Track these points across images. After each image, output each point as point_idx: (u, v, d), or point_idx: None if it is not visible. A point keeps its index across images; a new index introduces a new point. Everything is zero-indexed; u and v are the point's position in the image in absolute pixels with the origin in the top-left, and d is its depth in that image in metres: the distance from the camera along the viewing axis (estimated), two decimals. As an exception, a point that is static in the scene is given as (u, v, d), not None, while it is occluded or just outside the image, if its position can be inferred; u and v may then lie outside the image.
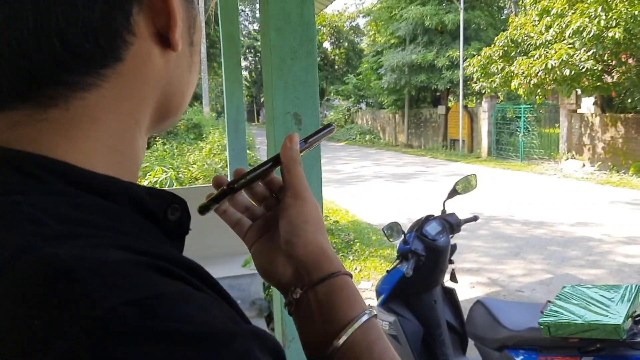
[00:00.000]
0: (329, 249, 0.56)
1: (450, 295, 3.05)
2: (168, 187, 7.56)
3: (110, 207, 0.37)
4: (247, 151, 7.47)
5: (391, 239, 2.85)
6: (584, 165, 14.24)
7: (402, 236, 2.87)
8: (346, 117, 30.93)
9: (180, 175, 9.54)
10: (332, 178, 13.22)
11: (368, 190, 11.70)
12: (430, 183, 12.39)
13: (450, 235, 2.94)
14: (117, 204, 0.38)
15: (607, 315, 2.14)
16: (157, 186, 7.59)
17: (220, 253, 4.28)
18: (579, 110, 15.28)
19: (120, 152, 0.41)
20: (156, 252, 0.34)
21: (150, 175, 8.72)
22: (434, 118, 21.99)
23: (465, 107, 19.67)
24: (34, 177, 0.35)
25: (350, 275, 0.55)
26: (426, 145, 22.29)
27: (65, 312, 0.27)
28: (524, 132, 16.91)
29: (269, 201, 0.61)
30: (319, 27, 35.39)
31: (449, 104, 21.44)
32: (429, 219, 2.96)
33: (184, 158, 11.95)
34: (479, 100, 19.21)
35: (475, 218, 3.06)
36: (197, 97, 20.05)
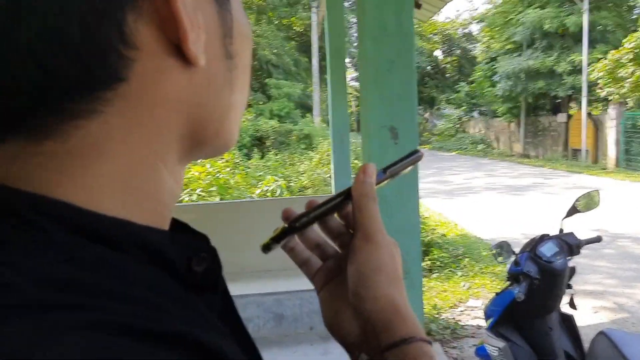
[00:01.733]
0: (403, 307, 0.47)
1: (568, 323, 2.79)
2: (278, 195, 7.76)
3: (116, 259, 0.31)
4: (355, 161, 7.47)
5: (500, 259, 2.67)
6: None
7: (513, 256, 2.67)
8: (457, 126, 30.05)
9: (290, 184, 9.80)
10: (441, 189, 12.86)
11: (479, 202, 11.21)
12: (549, 196, 11.59)
13: (569, 258, 2.68)
14: (126, 254, 0.32)
15: None
16: (268, 195, 7.83)
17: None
18: None
19: (136, 188, 0.34)
20: (155, 328, 0.27)
21: (262, 184, 9.02)
22: (554, 126, 20.66)
23: (589, 114, 18.26)
24: (30, 224, 0.29)
25: (429, 342, 0.45)
26: (544, 155, 20.99)
27: None
28: (658, 141, 15.32)
29: (345, 238, 0.54)
30: (430, 35, 34.85)
31: (571, 112, 20.02)
32: (544, 238, 2.73)
33: (294, 167, 12.28)
34: (604, 107, 17.73)
35: (598, 239, 2.78)
36: (308, 108, 20.53)
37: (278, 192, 8.21)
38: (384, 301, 0.47)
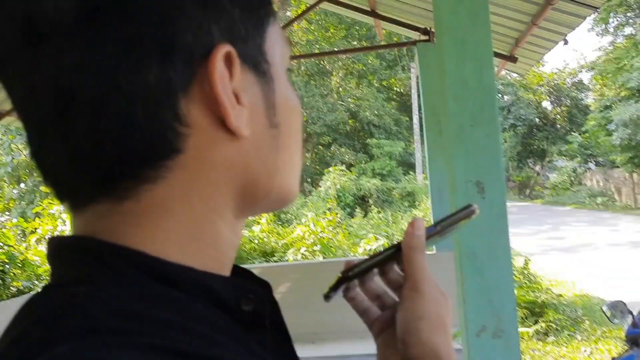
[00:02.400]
0: (445, 354, 0.49)
1: None
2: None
3: (178, 298, 0.37)
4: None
5: (615, 321, 2.45)
6: None
7: (630, 317, 2.45)
8: (572, 178, 28.27)
9: (393, 242, 9.70)
10: (556, 246, 12.04)
11: (601, 260, 10.31)
12: (683, 252, 10.42)
13: (696, 319, 2.41)
14: (186, 294, 0.38)
15: None
16: (371, 253, 7.80)
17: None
18: None
19: (196, 240, 0.40)
20: (204, 353, 0.33)
21: (364, 242, 9.04)
22: (684, 175, 18.81)
23: None
24: (111, 266, 0.37)
25: None
26: (676, 207, 19.05)
27: None
28: None
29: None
30: (537, 87, 33.74)
31: None
32: (666, 297, 2.49)
33: (397, 225, 12.16)
34: None
35: None
36: (410, 166, 20.47)
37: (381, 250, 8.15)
38: (427, 348, 0.49)
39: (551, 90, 33.98)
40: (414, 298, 0.51)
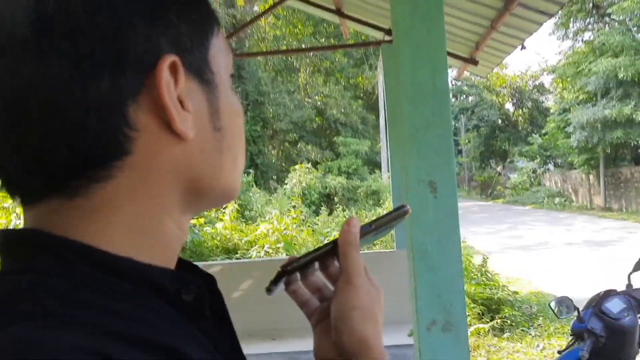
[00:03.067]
0: (373, 341, 0.54)
1: (645, 386, 2.60)
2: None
3: (126, 289, 0.41)
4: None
5: (560, 316, 2.56)
6: None
7: (576, 313, 2.56)
8: (532, 179, 29.05)
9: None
10: (515, 244, 12.38)
11: (556, 258, 10.67)
12: (634, 251, 10.86)
13: (639, 315, 2.54)
14: (134, 286, 0.41)
15: None
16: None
17: (385, 320, 4.25)
18: None
19: (146, 234, 0.44)
20: (150, 338, 0.37)
21: (328, 240, 9.05)
22: (637, 177, 19.54)
23: (675, 164, 17.20)
24: (58, 257, 0.40)
25: None
26: (628, 208, 19.78)
27: None
28: None
29: None
30: (500, 89, 34.50)
31: (655, 161, 18.96)
32: (609, 294, 2.61)
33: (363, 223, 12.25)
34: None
35: (672, 296, 2.61)
36: (376, 165, 20.66)
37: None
38: (357, 335, 0.54)
39: (514, 92, 34.81)
40: (348, 290, 0.56)
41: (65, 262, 0.40)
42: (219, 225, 10.31)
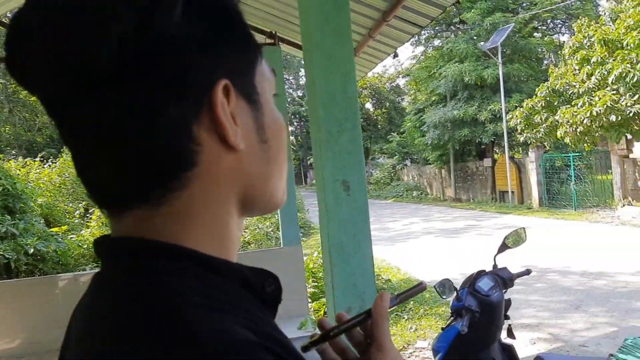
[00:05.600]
0: None
1: (509, 352, 3.00)
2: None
3: (228, 285, 0.49)
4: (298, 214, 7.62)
5: (444, 296, 2.87)
6: (643, 211, 13.70)
7: (455, 293, 2.88)
8: (392, 174, 31.02)
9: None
10: (382, 236, 13.18)
11: (419, 246, 11.60)
12: (483, 237, 12.18)
13: (504, 290, 2.93)
14: (231, 282, 0.50)
15: (673, 367, 2.09)
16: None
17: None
18: (631, 155, 14.86)
19: (220, 236, 0.52)
20: (265, 331, 0.45)
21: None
22: (481, 171, 21.79)
23: (511, 158, 19.46)
24: (177, 261, 0.48)
25: None
26: (475, 198, 22.00)
27: None
28: (575, 181, 16.52)
29: (363, 346, 0.70)
30: (360, 89, 36.25)
31: (495, 156, 21.27)
32: (480, 274, 2.97)
33: (267, 221, 12.18)
34: (525, 151, 19.00)
35: (527, 272, 3.05)
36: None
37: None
38: None
39: (373, 93, 36.83)
40: (380, 354, 0.65)
41: (182, 265, 0.48)
42: (85, 232, 9.71)
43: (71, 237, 9.26)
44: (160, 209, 0.48)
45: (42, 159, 13.43)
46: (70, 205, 11.80)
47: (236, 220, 0.54)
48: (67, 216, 11.25)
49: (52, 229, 9.14)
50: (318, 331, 0.69)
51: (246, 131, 0.52)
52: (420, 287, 0.74)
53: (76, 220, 11.06)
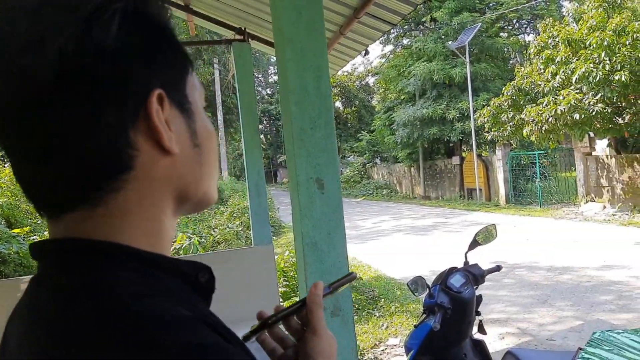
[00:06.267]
0: None
1: (480, 348, 3.03)
2: (192, 252, 7.67)
3: (163, 276, 0.53)
4: (269, 213, 7.56)
5: (416, 294, 2.87)
6: (604, 207, 14.10)
7: (427, 290, 2.89)
8: (362, 172, 31.18)
9: (202, 240, 9.65)
10: (353, 234, 13.21)
11: (389, 244, 11.67)
12: (452, 234, 12.34)
13: (475, 287, 2.95)
14: (165, 273, 0.54)
15: (639, 360, 2.13)
16: (182, 252, 7.72)
17: (227, 319, 4.32)
18: (593, 153, 15.29)
19: (154, 233, 0.56)
20: (203, 312, 0.51)
21: (174, 242, 8.81)
22: (449, 169, 22.10)
23: (479, 156, 19.78)
24: (114, 257, 0.51)
25: None
26: (443, 196, 22.29)
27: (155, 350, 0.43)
28: (540, 178, 16.90)
29: (300, 333, 0.74)
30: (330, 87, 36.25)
31: (463, 154, 21.58)
32: (452, 271, 2.99)
33: (205, 223, 12.09)
34: (492, 149, 19.33)
35: (498, 268, 3.08)
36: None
37: (191, 249, 8.08)
38: None
39: (342, 91, 36.92)
40: (315, 340, 0.70)
41: (121, 261, 0.51)
42: (47, 233, 9.42)
43: (34, 239, 8.98)
44: (97, 209, 0.52)
45: (1, 158, 13.02)
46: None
47: (170, 219, 0.58)
48: (30, 217, 10.93)
49: (13, 230, 8.85)
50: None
51: (180, 136, 0.56)
52: (351, 277, 0.80)
53: (39, 221, 10.75)
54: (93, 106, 0.49)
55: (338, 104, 37.59)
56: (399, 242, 11.84)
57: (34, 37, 0.47)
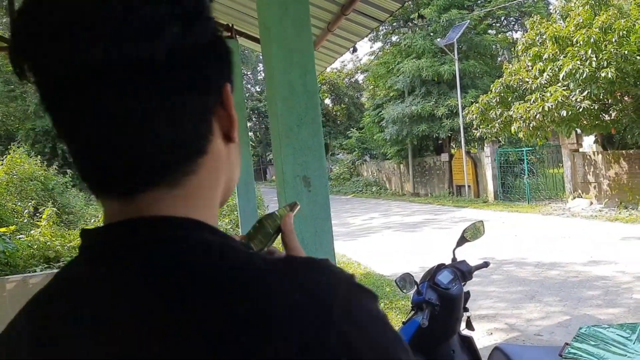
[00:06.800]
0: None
1: (468, 344, 3.04)
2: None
3: (226, 240, 0.57)
4: (257, 210, 7.53)
5: (404, 291, 2.88)
6: (591, 203, 14.23)
7: (415, 287, 2.89)
8: (351, 170, 31.20)
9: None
10: (342, 231, 13.22)
11: (379, 241, 11.70)
12: (441, 230, 12.39)
13: (463, 283, 2.96)
14: (229, 240, 0.58)
15: (625, 355, 2.14)
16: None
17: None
18: (580, 150, 15.42)
19: (214, 219, 0.59)
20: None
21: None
22: (438, 165, 22.17)
23: (468, 153, 19.87)
24: (192, 229, 0.54)
25: None
26: (432, 193, 22.37)
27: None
28: (528, 174, 17.01)
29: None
30: (319, 85, 36.21)
31: (452, 151, 21.66)
32: (440, 268, 2.99)
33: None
34: (481, 146, 19.42)
35: (486, 264, 3.09)
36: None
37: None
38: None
39: (332, 88, 36.89)
40: (290, 253, 0.78)
41: (198, 231, 0.54)
42: (35, 232, 9.32)
43: (20, 238, 8.89)
44: (173, 191, 0.54)
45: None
46: (19, 204, 11.36)
47: (217, 208, 0.61)
48: (16, 216, 10.82)
49: (-1, 229, 8.75)
50: None
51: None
52: (293, 205, 0.89)
53: (25, 220, 10.65)
54: (185, 89, 0.53)
55: (327, 101, 37.55)
56: (388, 239, 11.87)
57: (155, 20, 0.50)
